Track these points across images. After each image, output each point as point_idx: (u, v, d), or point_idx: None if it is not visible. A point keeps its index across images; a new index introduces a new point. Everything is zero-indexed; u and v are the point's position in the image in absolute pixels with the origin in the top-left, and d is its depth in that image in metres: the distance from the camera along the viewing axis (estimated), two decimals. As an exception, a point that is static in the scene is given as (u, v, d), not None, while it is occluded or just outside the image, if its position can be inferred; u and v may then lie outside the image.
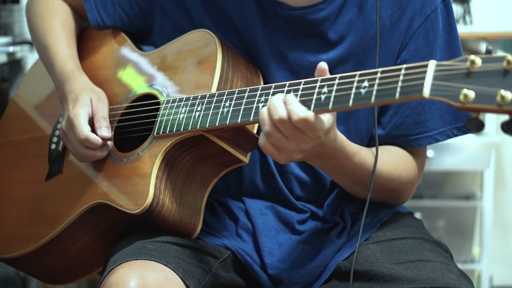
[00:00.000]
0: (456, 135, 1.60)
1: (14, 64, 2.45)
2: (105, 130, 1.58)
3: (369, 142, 1.63)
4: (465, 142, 2.88)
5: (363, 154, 1.52)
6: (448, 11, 1.58)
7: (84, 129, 1.56)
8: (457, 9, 3.06)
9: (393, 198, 1.64)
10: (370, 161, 1.53)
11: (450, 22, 1.58)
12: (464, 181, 3.17)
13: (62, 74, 1.67)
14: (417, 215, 2.82)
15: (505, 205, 3.30)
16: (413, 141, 1.60)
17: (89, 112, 1.59)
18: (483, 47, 3.12)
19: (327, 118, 1.34)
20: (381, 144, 1.61)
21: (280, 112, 1.31)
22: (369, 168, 1.53)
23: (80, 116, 1.58)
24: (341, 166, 1.49)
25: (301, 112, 1.30)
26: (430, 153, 2.87)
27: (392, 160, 1.58)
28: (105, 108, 1.62)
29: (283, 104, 1.31)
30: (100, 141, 1.57)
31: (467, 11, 3.07)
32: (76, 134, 1.57)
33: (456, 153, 2.91)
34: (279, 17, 1.57)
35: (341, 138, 1.44)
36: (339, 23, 1.56)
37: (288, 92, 1.36)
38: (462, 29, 3.00)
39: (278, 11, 1.56)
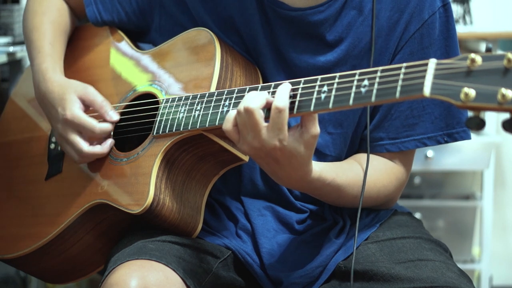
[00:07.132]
0: (446, 142, 1.58)
1: (14, 64, 2.44)
2: (113, 113, 1.60)
3: (361, 142, 1.62)
4: (465, 142, 2.87)
5: (325, 175, 1.47)
6: (448, 16, 1.56)
7: (95, 123, 1.58)
8: (457, 9, 3.06)
9: (378, 206, 1.63)
10: (338, 178, 1.50)
11: (448, 27, 1.56)
12: (464, 181, 3.17)
13: (37, 72, 1.67)
14: (417, 215, 2.82)
15: (505, 205, 3.30)
16: (400, 144, 1.58)
17: (81, 107, 1.60)
18: (483, 47, 3.12)
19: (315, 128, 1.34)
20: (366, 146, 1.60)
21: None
22: (335, 184, 1.50)
23: (79, 115, 1.58)
24: (306, 186, 1.46)
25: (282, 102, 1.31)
26: (430, 153, 2.87)
27: (371, 177, 1.55)
28: (97, 93, 1.61)
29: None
30: (111, 126, 1.59)
31: (467, 11, 3.07)
32: (90, 131, 1.57)
33: (456, 153, 2.90)
34: (279, 17, 1.57)
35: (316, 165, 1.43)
36: (337, 26, 1.56)
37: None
38: (462, 29, 3.00)
39: (278, 11, 1.56)
